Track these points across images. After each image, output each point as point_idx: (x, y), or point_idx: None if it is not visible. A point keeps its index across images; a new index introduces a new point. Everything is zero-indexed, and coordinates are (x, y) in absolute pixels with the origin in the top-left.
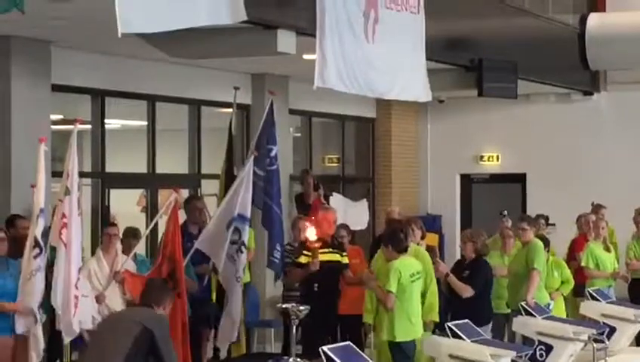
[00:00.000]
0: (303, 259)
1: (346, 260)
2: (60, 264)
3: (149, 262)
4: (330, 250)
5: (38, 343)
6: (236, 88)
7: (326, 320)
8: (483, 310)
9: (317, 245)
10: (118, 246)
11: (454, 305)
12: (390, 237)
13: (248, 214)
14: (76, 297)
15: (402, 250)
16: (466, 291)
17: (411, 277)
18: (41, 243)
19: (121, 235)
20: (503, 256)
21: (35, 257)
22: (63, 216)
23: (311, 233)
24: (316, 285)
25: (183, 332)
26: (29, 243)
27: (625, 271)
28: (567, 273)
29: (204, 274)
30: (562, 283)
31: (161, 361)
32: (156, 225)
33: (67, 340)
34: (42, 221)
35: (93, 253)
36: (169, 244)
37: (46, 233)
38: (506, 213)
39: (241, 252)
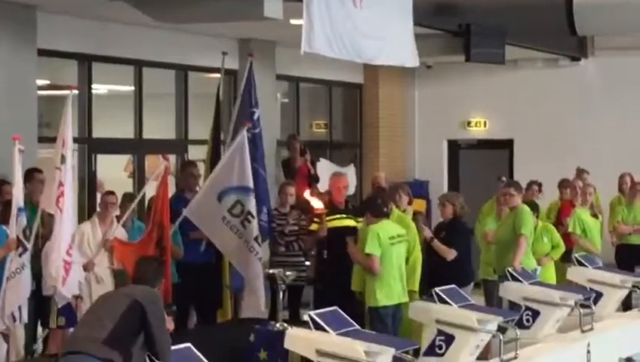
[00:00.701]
0: (313, 226)
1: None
2: (55, 231)
3: (144, 227)
4: (343, 216)
5: (18, 341)
6: (224, 53)
7: (338, 286)
8: (462, 271)
9: (322, 211)
10: (114, 215)
11: (434, 267)
12: (368, 203)
13: (250, 184)
14: (68, 264)
15: (380, 215)
16: (450, 254)
17: (390, 240)
18: (24, 242)
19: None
20: (498, 223)
21: (20, 255)
22: (61, 184)
23: (315, 201)
24: (325, 251)
25: (166, 299)
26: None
27: (612, 236)
28: (557, 237)
29: (200, 239)
30: (552, 247)
31: (151, 339)
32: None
33: (60, 304)
34: (22, 220)
35: (81, 219)
36: (158, 211)
37: (26, 230)
38: (504, 178)
39: (249, 222)
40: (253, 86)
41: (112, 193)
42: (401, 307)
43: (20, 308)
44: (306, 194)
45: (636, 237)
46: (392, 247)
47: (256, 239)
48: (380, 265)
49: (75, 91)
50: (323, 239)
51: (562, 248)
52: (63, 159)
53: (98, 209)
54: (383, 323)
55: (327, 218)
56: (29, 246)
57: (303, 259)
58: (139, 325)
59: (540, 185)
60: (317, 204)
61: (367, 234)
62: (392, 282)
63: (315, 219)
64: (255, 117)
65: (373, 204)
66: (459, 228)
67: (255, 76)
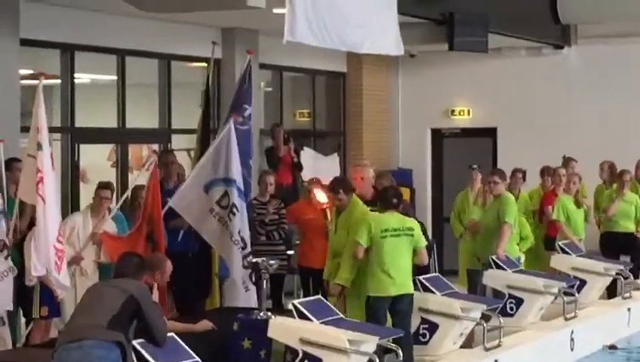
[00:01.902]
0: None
1: None
2: (39, 220)
3: (124, 217)
4: (369, 208)
5: (5, 345)
6: (214, 43)
7: None
8: None
9: (327, 206)
10: (107, 211)
11: None
12: (381, 193)
13: (234, 176)
14: (59, 251)
15: (388, 206)
16: None
17: (383, 233)
18: (8, 244)
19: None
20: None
21: (6, 258)
22: (38, 170)
23: (321, 196)
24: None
25: (161, 291)
26: None
27: (599, 226)
28: (527, 230)
29: (178, 228)
30: (521, 239)
31: (146, 325)
32: (126, 183)
33: (60, 294)
34: (3, 223)
35: (64, 208)
36: (148, 206)
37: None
38: (475, 166)
39: (233, 214)
40: (250, 83)
41: (106, 187)
42: (399, 299)
43: (7, 311)
44: (317, 194)
45: (619, 225)
46: (384, 240)
47: (239, 232)
48: (368, 255)
49: (50, 81)
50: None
51: (531, 240)
52: (39, 146)
53: (70, 197)
54: (373, 313)
55: None
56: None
57: (283, 247)
58: (133, 316)
59: (524, 173)
60: (322, 198)
61: (362, 224)
62: (381, 275)
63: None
64: (246, 113)
65: (384, 194)
66: None
67: (237, 65)
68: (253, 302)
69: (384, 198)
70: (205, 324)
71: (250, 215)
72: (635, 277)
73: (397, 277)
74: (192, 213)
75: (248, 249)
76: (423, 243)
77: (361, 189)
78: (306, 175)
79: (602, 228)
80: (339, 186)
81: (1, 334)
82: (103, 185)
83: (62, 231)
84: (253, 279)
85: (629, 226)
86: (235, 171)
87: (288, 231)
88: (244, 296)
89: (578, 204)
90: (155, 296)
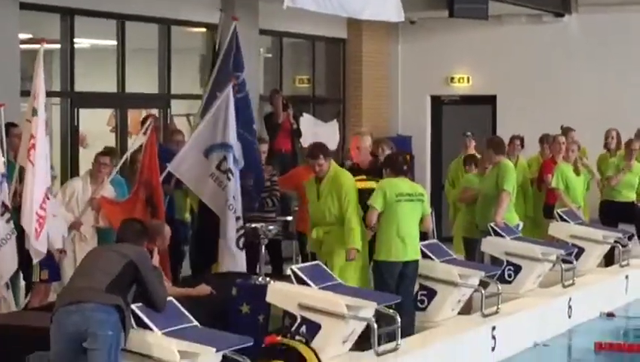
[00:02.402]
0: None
1: None
2: (26, 185)
3: (124, 181)
4: (363, 177)
5: (9, 308)
6: (221, 11)
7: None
8: None
9: None
10: (106, 177)
11: None
12: (388, 160)
13: (230, 141)
14: (41, 217)
15: (399, 173)
16: None
17: (397, 197)
18: (9, 207)
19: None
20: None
21: (8, 221)
22: (32, 136)
23: None
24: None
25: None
26: None
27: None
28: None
29: (165, 194)
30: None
31: (146, 291)
32: (126, 147)
33: (35, 260)
34: (5, 186)
35: (63, 173)
36: (145, 170)
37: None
38: (469, 133)
39: (229, 179)
40: (238, 50)
41: (106, 154)
42: (408, 265)
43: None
44: None
45: (621, 194)
46: (398, 204)
47: (234, 198)
48: (382, 220)
49: (50, 45)
50: None
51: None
52: (34, 112)
53: (70, 162)
54: (382, 278)
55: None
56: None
57: (274, 214)
58: (132, 281)
59: (522, 139)
60: None
61: (377, 189)
62: (395, 239)
63: None
64: (239, 80)
65: (393, 161)
66: None
67: (238, 31)
68: (241, 267)
69: (394, 164)
70: (204, 289)
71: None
72: None
73: (409, 242)
74: (191, 178)
75: (238, 213)
76: (429, 210)
77: (357, 158)
78: (305, 141)
79: (603, 197)
80: (318, 151)
81: (5, 297)
82: (104, 152)
83: (46, 198)
84: (241, 244)
85: (631, 196)
86: (231, 137)
87: (287, 198)
88: (231, 261)
89: (577, 172)
90: (156, 261)
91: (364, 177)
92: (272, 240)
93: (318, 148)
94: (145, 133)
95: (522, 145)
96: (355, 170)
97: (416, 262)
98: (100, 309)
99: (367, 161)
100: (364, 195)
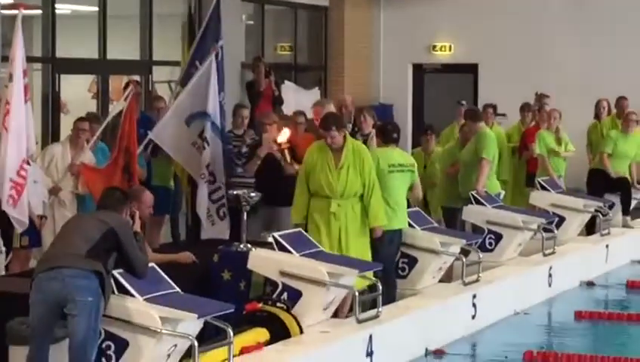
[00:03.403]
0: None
1: None
2: (1, 151)
3: (108, 148)
4: None
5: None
6: None
7: None
8: None
9: (285, 146)
10: (85, 141)
11: None
12: (379, 129)
13: (209, 110)
14: (18, 184)
15: (389, 141)
16: None
17: (390, 168)
18: None
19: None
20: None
21: None
22: (7, 102)
23: (282, 135)
24: None
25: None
26: None
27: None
28: None
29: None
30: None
31: (126, 258)
32: (107, 114)
33: (20, 230)
34: None
35: (44, 139)
36: (125, 137)
37: None
38: (464, 102)
39: (204, 148)
40: (219, 19)
41: (84, 119)
42: (397, 233)
43: None
44: (283, 135)
45: (616, 166)
46: (391, 175)
47: (208, 166)
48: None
49: (31, 11)
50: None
51: None
52: (10, 77)
53: (51, 128)
54: (375, 247)
55: None
56: None
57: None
58: (112, 248)
59: (494, 107)
60: (280, 137)
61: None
62: (387, 209)
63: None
64: (219, 45)
65: (383, 129)
66: None
67: None
68: (223, 235)
69: (385, 133)
70: (187, 256)
71: (226, 148)
72: (625, 214)
73: (399, 211)
74: (172, 145)
75: (218, 183)
76: (417, 178)
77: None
78: (286, 109)
79: (593, 165)
80: (331, 123)
81: None
82: (82, 117)
83: (24, 164)
84: (222, 213)
85: (623, 167)
86: (211, 105)
87: None
88: (210, 229)
89: (559, 141)
90: (137, 226)
91: None
92: (232, 208)
93: (332, 120)
94: (125, 100)
95: (495, 113)
96: None
97: (401, 230)
98: (80, 275)
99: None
100: None
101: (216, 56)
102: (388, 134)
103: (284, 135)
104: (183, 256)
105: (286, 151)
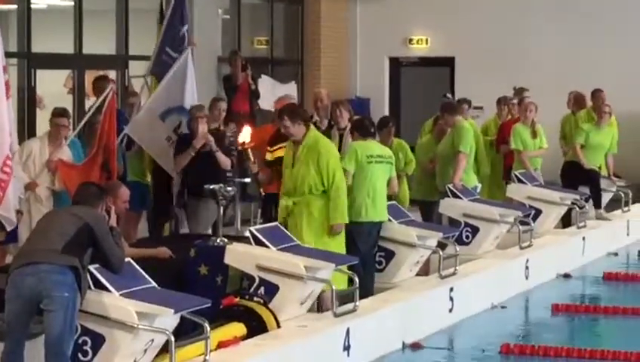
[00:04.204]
0: (268, 156)
1: None
2: None
3: (80, 144)
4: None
5: None
6: None
7: None
8: None
9: (250, 146)
10: (64, 137)
11: None
12: (355, 124)
13: (184, 104)
14: (2, 181)
15: (367, 134)
16: None
17: (368, 158)
18: None
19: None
20: (434, 140)
21: None
22: None
23: (245, 135)
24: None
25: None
26: None
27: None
28: (410, 155)
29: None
30: (405, 164)
31: (102, 253)
32: (83, 109)
33: (8, 227)
34: None
35: (20, 134)
36: (104, 135)
37: None
38: (449, 95)
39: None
40: (183, 3)
41: (63, 115)
42: (376, 226)
43: None
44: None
45: (590, 159)
46: (370, 166)
47: None
48: (353, 181)
49: (6, 5)
50: (257, 176)
51: (413, 164)
52: None
53: (26, 123)
54: (354, 240)
55: (272, 147)
56: None
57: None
58: (88, 243)
59: (469, 102)
60: (243, 137)
61: (348, 151)
62: (366, 200)
63: (269, 148)
64: (181, 33)
65: (360, 124)
66: None
67: None
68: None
69: (362, 127)
70: (164, 251)
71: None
72: (597, 207)
73: (379, 203)
74: (147, 140)
75: None
76: (394, 172)
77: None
78: (263, 103)
79: (567, 157)
80: (283, 113)
81: None
82: (59, 113)
83: (7, 160)
84: None
85: (599, 159)
86: (188, 100)
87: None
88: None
89: (534, 134)
90: (113, 221)
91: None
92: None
93: (285, 110)
94: (105, 98)
95: (470, 107)
96: (282, 137)
97: (381, 223)
98: (55, 270)
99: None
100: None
101: (182, 41)
102: (366, 129)
103: (246, 134)
104: (160, 251)
105: (249, 151)
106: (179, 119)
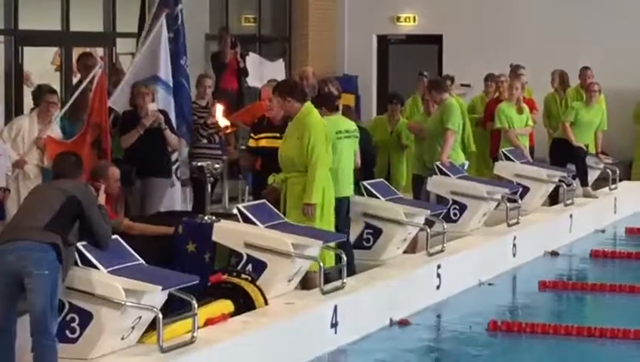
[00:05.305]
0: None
1: None
2: None
3: (67, 121)
4: (276, 134)
5: None
6: None
7: None
8: None
9: (229, 131)
10: (54, 115)
11: None
12: (321, 98)
13: (160, 74)
14: None
15: (333, 109)
16: None
17: (337, 134)
18: None
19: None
20: (426, 118)
21: None
22: None
23: (221, 119)
24: (250, 176)
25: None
26: None
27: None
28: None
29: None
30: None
31: (89, 227)
32: (70, 86)
33: None
34: None
35: (7, 111)
36: (94, 113)
37: None
38: (426, 73)
39: None
40: None
41: (54, 92)
42: (343, 201)
43: None
44: (218, 111)
45: (579, 137)
46: (339, 142)
47: None
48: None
49: None
50: (236, 162)
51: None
52: None
53: (14, 100)
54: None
55: (257, 135)
56: None
57: (220, 152)
58: (75, 217)
59: (452, 78)
60: (223, 121)
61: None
62: (339, 176)
63: (252, 135)
64: (176, 12)
65: (326, 98)
66: None
67: None
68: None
69: (329, 102)
70: (168, 229)
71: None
72: (583, 185)
73: (345, 179)
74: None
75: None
76: (357, 146)
77: (270, 112)
78: (251, 80)
79: (556, 135)
80: (275, 89)
81: None
82: (50, 91)
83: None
84: (179, 174)
85: (589, 137)
86: (163, 70)
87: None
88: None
89: (520, 110)
90: (102, 200)
91: (277, 135)
92: (196, 179)
93: (277, 86)
94: (82, 74)
95: (452, 83)
96: (266, 126)
97: (348, 198)
98: (36, 248)
99: (281, 115)
100: (271, 156)
101: (176, 19)
102: (331, 102)
103: (221, 117)
104: (164, 229)
105: (232, 136)
106: (154, 89)
